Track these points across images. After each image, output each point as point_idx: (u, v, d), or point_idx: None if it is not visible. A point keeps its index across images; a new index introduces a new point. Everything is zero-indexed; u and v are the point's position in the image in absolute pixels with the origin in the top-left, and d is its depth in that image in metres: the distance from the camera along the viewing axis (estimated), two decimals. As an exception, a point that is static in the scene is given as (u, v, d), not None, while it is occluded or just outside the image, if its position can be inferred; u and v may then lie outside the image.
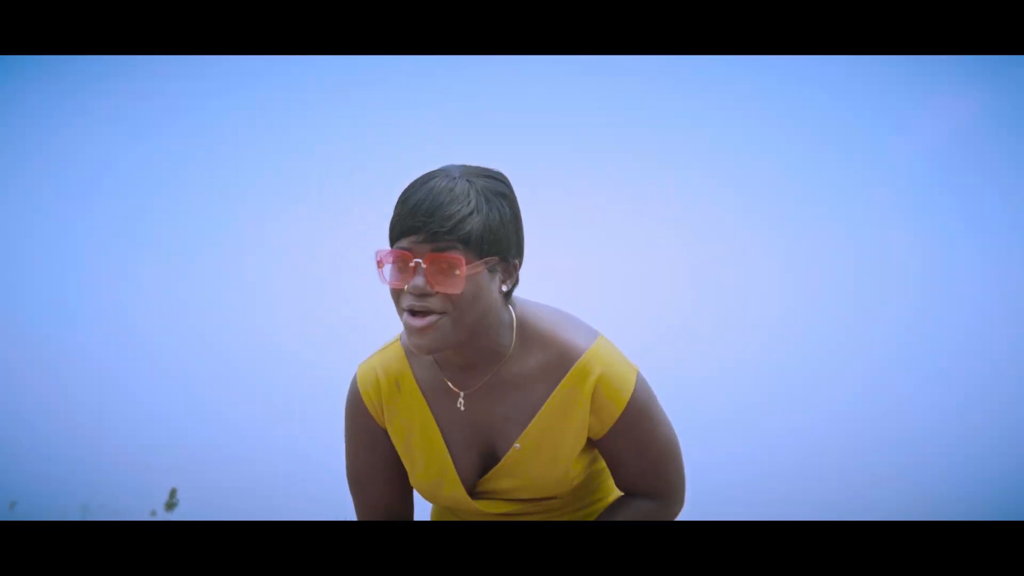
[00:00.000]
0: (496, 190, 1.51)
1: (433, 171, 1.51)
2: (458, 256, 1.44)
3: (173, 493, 4.44)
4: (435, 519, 1.81)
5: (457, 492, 1.62)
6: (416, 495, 1.72)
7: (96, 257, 5.15)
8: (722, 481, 4.38)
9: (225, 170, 5.24)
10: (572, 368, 1.56)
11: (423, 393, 1.60)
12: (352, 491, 1.70)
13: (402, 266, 1.46)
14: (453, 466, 1.60)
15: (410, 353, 1.62)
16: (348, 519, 1.86)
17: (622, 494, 1.72)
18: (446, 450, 1.60)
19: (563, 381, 1.56)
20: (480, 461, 1.63)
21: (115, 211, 5.14)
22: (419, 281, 1.45)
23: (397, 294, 1.49)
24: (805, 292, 5.06)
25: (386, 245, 1.52)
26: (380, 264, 1.49)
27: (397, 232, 1.48)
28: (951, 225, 5.08)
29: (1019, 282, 4.79)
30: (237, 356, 5.05)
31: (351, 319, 5.14)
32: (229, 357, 5.05)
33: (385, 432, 1.64)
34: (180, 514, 4.50)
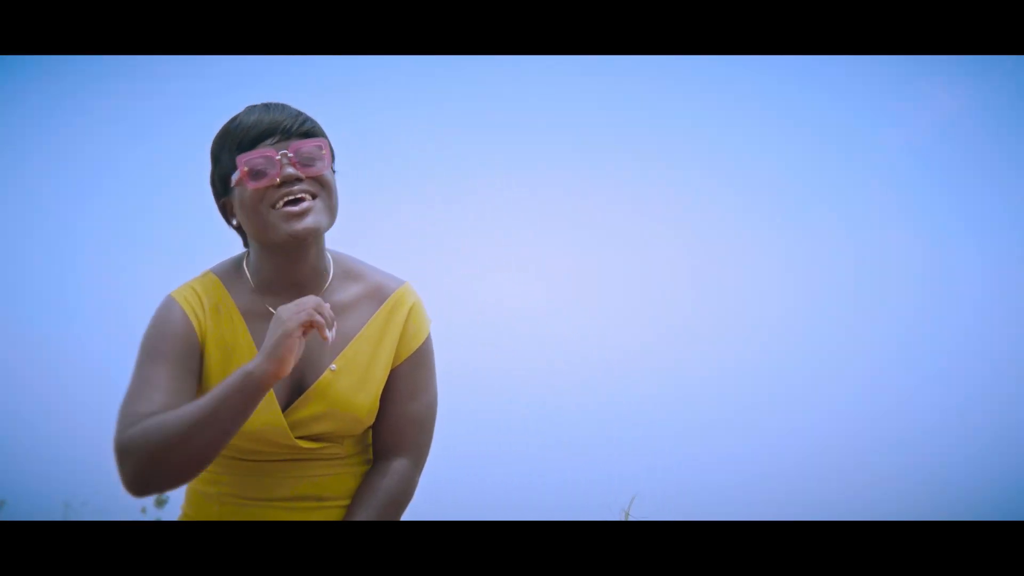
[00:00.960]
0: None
1: (248, 106, 1.66)
2: (319, 140, 1.62)
3: None
4: (193, 508, 1.75)
5: (272, 416, 1.63)
6: None
7: (96, 257, 5.15)
8: (722, 481, 4.38)
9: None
10: (390, 297, 1.70)
11: (243, 317, 1.65)
12: (131, 403, 1.57)
13: (266, 166, 1.58)
14: (272, 393, 1.62)
15: (226, 279, 1.69)
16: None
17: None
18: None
19: (381, 309, 1.69)
20: (290, 389, 1.66)
21: (115, 211, 5.14)
22: (290, 170, 1.58)
23: (260, 195, 1.58)
24: (805, 292, 5.07)
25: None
26: (242, 173, 1.59)
27: (248, 142, 1.59)
28: (951, 225, 5.08)
29: (1018, 282, 4.80)
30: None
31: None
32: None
33: (200, 350, 1.64)
34: (169, 512, 4.50)
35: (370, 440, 1.78)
